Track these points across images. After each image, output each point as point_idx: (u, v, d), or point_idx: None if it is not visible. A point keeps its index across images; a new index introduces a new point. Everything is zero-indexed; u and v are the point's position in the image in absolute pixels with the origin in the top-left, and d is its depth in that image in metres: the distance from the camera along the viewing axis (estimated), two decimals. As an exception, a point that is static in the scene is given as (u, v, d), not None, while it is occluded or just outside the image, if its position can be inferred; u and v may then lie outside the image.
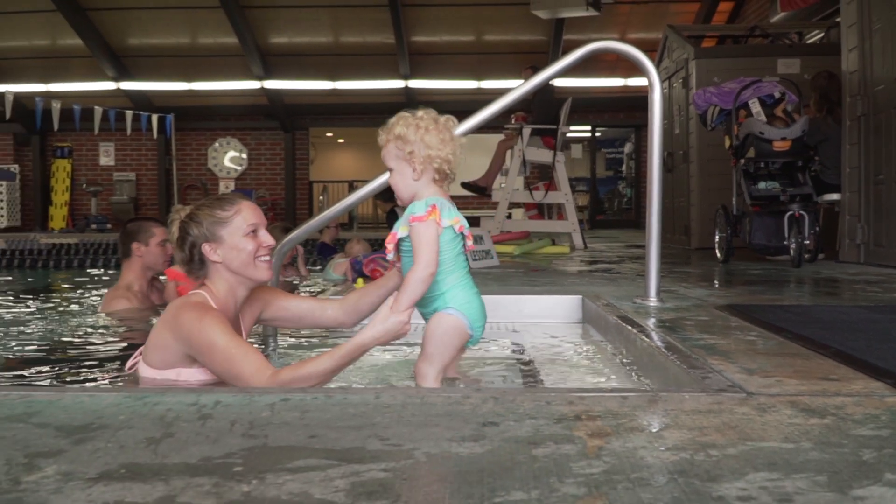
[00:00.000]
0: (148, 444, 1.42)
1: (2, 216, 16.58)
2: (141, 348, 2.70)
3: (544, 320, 3.95)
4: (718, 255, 6.59)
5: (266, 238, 2.67)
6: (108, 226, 16.70)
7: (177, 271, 4.67)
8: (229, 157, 17.88)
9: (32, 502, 1.15)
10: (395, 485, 1.23)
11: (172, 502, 1.15)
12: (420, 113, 2.43)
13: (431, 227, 2.33)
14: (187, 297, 2.65)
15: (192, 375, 2.55)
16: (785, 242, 5.84)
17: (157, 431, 1.50)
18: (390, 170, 2.45)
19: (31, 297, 6.95)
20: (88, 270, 9.61)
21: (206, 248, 2.62)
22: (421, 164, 2.38)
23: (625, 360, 2.87)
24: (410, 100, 16.53)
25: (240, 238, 2.62)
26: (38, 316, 5.28)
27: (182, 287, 4.59)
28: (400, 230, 2.43)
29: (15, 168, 17.35)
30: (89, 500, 1.16)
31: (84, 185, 17.55)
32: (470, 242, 2.44)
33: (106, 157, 17.96)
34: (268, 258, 2.69)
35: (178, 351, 2.54)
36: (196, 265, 2.67)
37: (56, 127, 13.96)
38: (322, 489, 1.20)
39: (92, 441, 1.44)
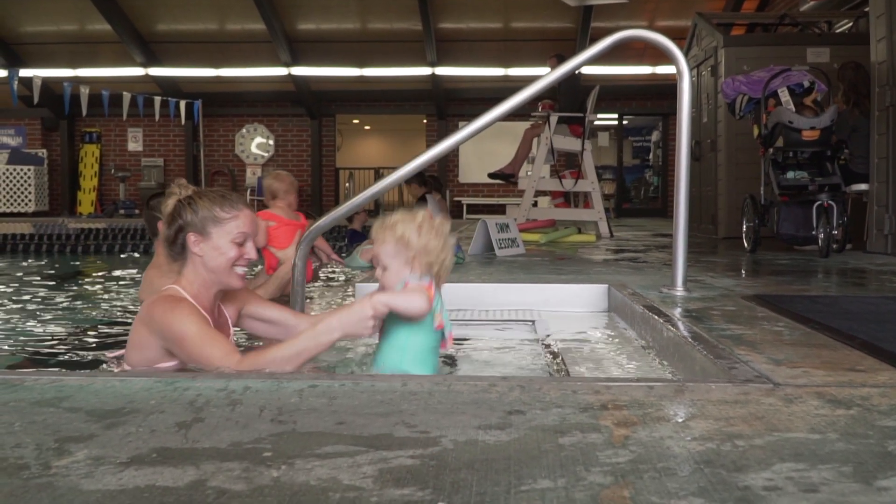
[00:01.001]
0: (179, 429, 1.44)
1: (30, 201, 16.76)
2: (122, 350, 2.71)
3: (570, 309, 3.95)
4: (746, 244, 6.55)
5: (250, 251, 2.68)
6: (136, 211, 16.84)
7: (270, 212, 4.64)
8: (256, 144, 17.95)
9: (63, 487, 1.17)
10: (423, 472, 1.24)
11: (203, 486, 1.17)
12: (420, 217, 2.45)
13: (425, 295, 2.35)
14: (159, 294, 2.66)
15: None
16: (813, 232, 5.79)
17: (187, 416, 1.52)
18: (384, 268, 2.45)
19: (61, 281, 7.03)
20: (120, 256, 9.71)
21: (191, 237, 2.63)
22: (419, 270, 2.40)
23: (651, 350, 2.87)
24: (437, 87, 16.51)
25: (226, 242, 2.63)
26: (70, 300, 5.35)
27: (273, 228, 4.60)
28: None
29: (43, 153, 17.52)
30: (120, 484, 1.18)
31: (112, 171, 17.69)
32: (450, 343, 2.46)
33: (134, 143, 18.09)
34: (245, 268, 2.71)
35: (155, 346, 2.56)
36: (177, 248, 2.67)
37: (84, 112, 14.08)
38: (350, 475, 1.22)
39: (123, 426, 1.47)
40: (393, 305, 2.32)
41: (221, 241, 2.62)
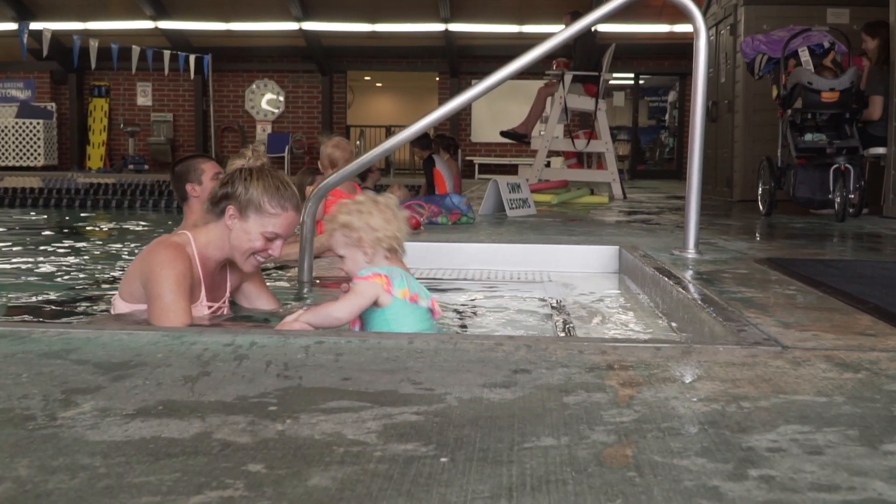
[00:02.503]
0: (185, 383, 1.46)
1: (39, 155, 16.79)
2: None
3: (580, 270, 3.96)
4: (761, 207, 6.52)
5: (274, 250, 2.71)
6: (146, 166, 16.86)
7: None
8: (266, 100, 17.90)
9: (69, 437, 1.19)
10: (427, 428, 1.25)
11: (209, 439, 1.19)
12: (360, 198, 2.49)
13: (368, 288, 2.35)
14: (170, 236, 2.70)
15: None
16: (829, 196, 5.76)
17: (193, 370, 1.54)
18: (341, 257, 2.48)
19: (74, 235, 7.08)
20: (129, 210, 9.74)
21: (230, 209, 2.66)
22: (371, 248, 2.42)
23: (660, 312, 2.88)
24: (450, 43, 16.38)
25: (257, 232, 2.65)
26: (82, 255, 5.38)
27: (329, 201, 4.57)
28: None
29: (52, 106, 17.51)
30: (126, 435, 1.20)
31: (122, 125, 17.69)
32: (437, 308, 2.46)
33: (143, 97, 18.06)
34: (262, 260, 2.75)
35: (138, 283, 2.61)
36: (216, 210, 2.70)
37: (93, 66, 14.03)
38: (355, 430, 1.23)
39: (130, 378, 1.49)
40: (317, 324, 2.32)
41: (254, 227, 2.65)
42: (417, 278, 2.50)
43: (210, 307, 2.74)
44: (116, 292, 2.74)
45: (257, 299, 2.98)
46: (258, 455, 1.13)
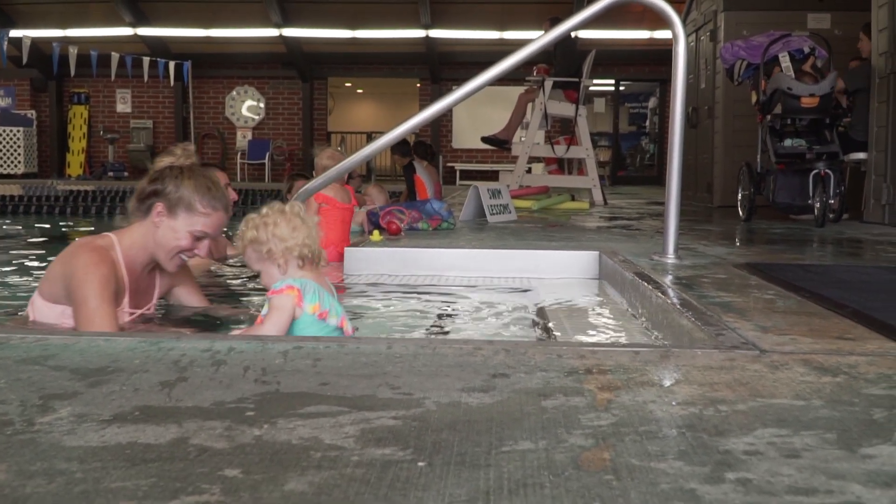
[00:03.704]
0: (162, 388, 1.46)
1: (19, 162, 16.66)
2: None
3: (560, 275, 3.97)
4: (741, 213, 6.56)
5: (201, 249, 2.70)
6: (125, 173, 16.76)
7: (324, 194, 4.54)
8: (247, 106, 17.85)
9: (46, 443, 1.18)
10: (405, 432, 1.25)
11: (185, 444, 1.18)
12: (265, 210, 2.47)
13: (285, 300, 2.35)
14: (93, 238, 2.67)
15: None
16: (809, 201, 5.80)
17: (171, 376, 1.54)
18: (257, 272, 2.49)
19: (55, 242, 7.03)
20: (109, 218, 9.69)
21: (158, 206, 2.64)
22: (282, 258, 2.41)
23: (639, 317, 2.89)
24: (431, 50, 16.40)
25: (185, 230, 2.64)
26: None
27: (325, 210, 4.55)
28: (263, 310, 2.45)
29: (32, 114, 17.40)
30: (102, 440, 1.19)
31: (101, 132, 17.59)
32: (347, 327, 2.45)
33: (123, 104, 17.97)
34: (187, 259, 2.73)
35: (60, 286, 2.58)
36: (143, 206, 2.68)
37: (73, 73, 13.96)
38: (332, 435, 1.23)
39: (107, 384, 1.48)
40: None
41: (181, 225, 2.63)
42: (411, 284, 2.50)
43: (131, 313, 2.70)
44: (36, 292, 2.70)
45: (189, 302, 2.97)
46: (235, 460, 1.12)
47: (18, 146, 16.67)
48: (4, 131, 16.62)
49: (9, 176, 16.28)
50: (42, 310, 2.63)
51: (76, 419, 1.29)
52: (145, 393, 1.43)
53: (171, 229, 2.63)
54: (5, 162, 16.62)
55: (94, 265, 2.52)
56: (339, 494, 1.02)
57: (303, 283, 2.36)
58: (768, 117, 6.12)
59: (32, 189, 12.31)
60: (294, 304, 2.33)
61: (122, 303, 2.65)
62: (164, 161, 2.73)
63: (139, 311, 2.74)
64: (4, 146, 16.62)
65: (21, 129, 16.74)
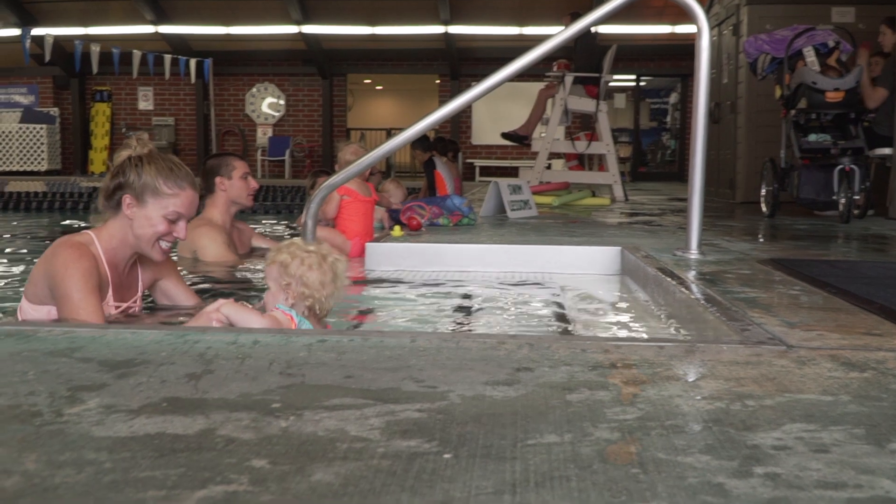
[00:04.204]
0: (189, 380, 1.47)
1: (43, 159, 16.80)
2: None
3: (582, 271, 3.96)
4: (764, 209, 6.52)
5: (179, 231, 2.70)
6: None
7: (347, 186, 4.55)
8: (267, 103, 17.92)
9: (75, 433, 1.19)
10: (430, 425, 1.25)
11: (213, 435, 1.19)
12: (312, 247, 2.44)
13: (286, 323, 2.35)
14: (72, 236, 2.68)
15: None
16: (834, 197, 5.76)
17: (197, 368, 1.55)
18: (267, 286, 2.48)
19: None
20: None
21: (127, 199, 2.64)
22: (293, 299, 2.40)
23: (663, 313, 2.88)
24: (450, 46, 16.39)
25: (158, 216, 2.64)
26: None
27: (347, 202, 4.57)
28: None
29: (55, 111, 17.54)
30: (131, 431, 1.20)
31: (123, 130, 17.68)
32: None
33: (145, 102, 18.09)
34: (169, 245, 2.73)
35: (43, 285, 2.59)
36: (112, 203, 2.68)
37: (95, 70, 14.06)
38: (358, 427, 1.24)
39: (134, 376, 1.49)
40: (234, 321, 2.32)
41: (153, 212, 2.63)
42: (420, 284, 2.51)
43: (118, 307, 2.71)
44: (23, 296, 2.71)
45: (176, 296, 2.98)
46: (262, 451, 1.13)
47: (42, 143, 16.81)
48: (28, 129, 16.76)
49: (32, 173, 16.41)
50: (29, 312, 2.65)
51: (105, 410, 1.30)
52: (172, 385, 1.44)
53: (145, 218, 2.64)
54: (29, 159, 16.76)
55: (75, 260, 2.54)
56: (365, 485, 1.02)
57: (300, 321, 2.37)
58: (792, 112, 6.08)
59: (56, 186, 12.41)
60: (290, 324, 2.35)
61: (107, 297, 2.67)
62: (122, 154, 2.73)
63: (125, 305, 2.75)
64: (28, 143, 16.76)
65: (44, 126, 16.87)
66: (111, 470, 1.05)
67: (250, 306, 2.44)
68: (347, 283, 2.50)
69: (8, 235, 7.48)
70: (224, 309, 2.30)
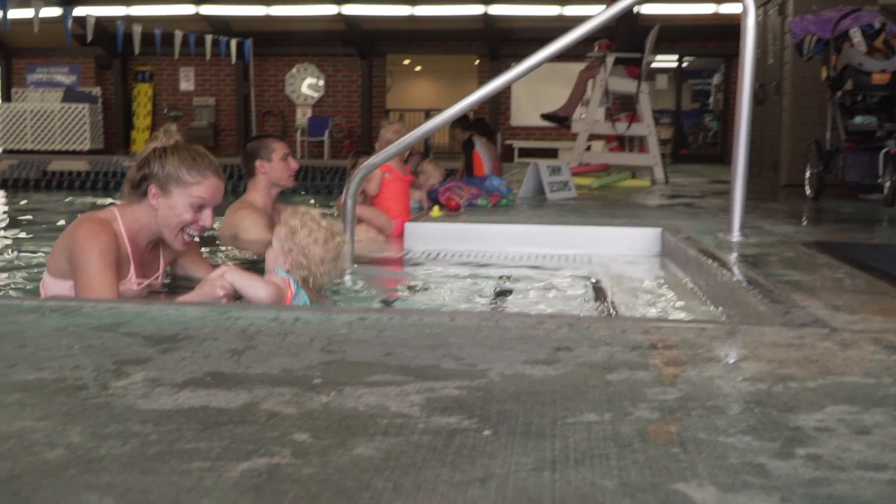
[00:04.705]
0: (231, 355, 1.49)
1: (85, 139, 17.03)
2: None
3: (621, 252, 3.94)
4: (808, 191, 6.43)
5: (205, 219, 2.73)
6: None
7: (388, 165, 4.58)
8: (307, 84, 17.98)
9: (120, 406, 1.22)
10: (470, 402, 1.26)
11: (256, 409, 1.21)
12: (324, 222, 2.50)
13: (282, 287, 2.41)
14: (95, 212, 2.73)
15: None
16: (879, 180, 5.66)
17: (239, 344, 1.57)
18: (271, 244, 2.55)
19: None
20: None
21: (152, 189, 2.68)
22: (291, 266, 2.47)
23: (704, 295, 2.86)
24: (490, 26, 16.31)
25: (183, 204, 2.67)
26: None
27: (388, 180, 4.60)
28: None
29: (97, 91, 17.76)
30: (176, 404, 1.22)
31: (165, 110, 17.89)
32: None
33: (186, 82, 18.24)
34: (193, 236, 2.76)
35: (64, 259, 2.63)
36: (139, 192, 2.72)
37: (137, 51, 14.19)
38: (398, 403, 1.25)
39: (178, 350, 1.52)
40: (238, 287, 2.37)
41: (179, 201, 2.67)
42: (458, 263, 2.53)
43: (140, 283, 2.75)
44: (45, 270, 2.76)
45: (196, 273, 3.01)
46: (304, 425, 1.15)
47: (84, 123, 17.03)
48: (70, 108, 16.99)
49: (76, 152, 16.65)
50: (51, 287, 2.70)
51: (150, 383, 1.32)
52: (215, 359, 1.46)
53: (170, 207, 2.68)
54: (72, 138, 17.00)
55: (95, 235, 2.58)
56: (406, 460, 1.03)
57: (296, 290, 2.41)
58: (838, 94, 5.97)
59: (99, 165, 12.59)
60: (284, 296, 2.39)
61: (129, 274, 2.71)
62: (149, 146, 2.78)
63: (147, 281, 2.80)
64: (70, 123, 16.99)
65: (86, 105, 17.09)
66: (157, 442, 1.08)
67: (252, 273, 2.49)
68: (347, 267, 2.56)
69: (50, 214, 7.61)
70: (228, 275, 2.37)
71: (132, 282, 2.72)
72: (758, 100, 9.23)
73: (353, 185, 3.53)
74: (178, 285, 2.96)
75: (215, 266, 3.16)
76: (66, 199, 9.46)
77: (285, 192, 4.63)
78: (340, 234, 2.52)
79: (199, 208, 2.70)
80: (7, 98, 17.84)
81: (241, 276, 2.38)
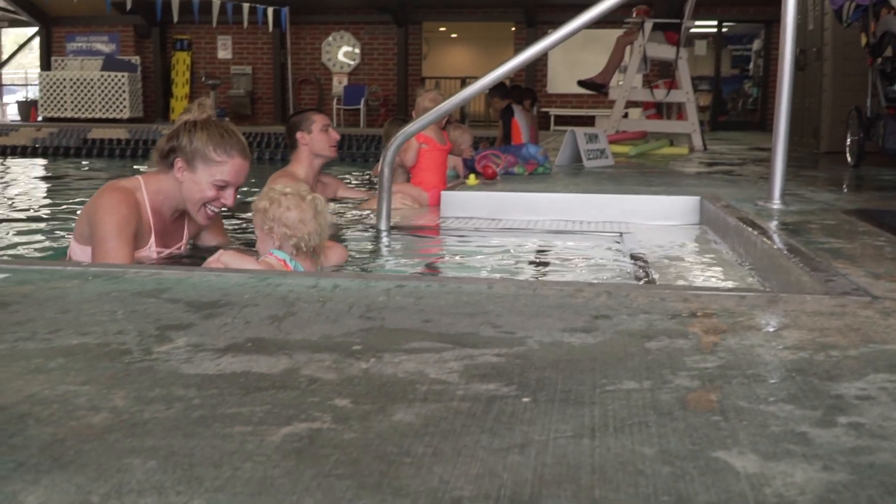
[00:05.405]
0: (272, 322, 1.50)
1: (125, 107, 17.17)
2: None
3: (659, 221, 3.90)
4: (849, 159, 6.32)
5: (226, 198, 2.75)
6: (227, 118, 17.11)
7: (425, 134, 4.60)
8: (343, 52, 17.94)
9: (164, 370, 1.23)
10: (509, 369, 1.26)
11: (296, 374, 1.22)
12: (288, 189, 2.54)
13: (277, 266, 2.45)
14: (120, 181, 2.76)
15: None
16: (922, 148, 5.55)
17: (279, 310, 1.58)
18: (257, 236, 2.60)
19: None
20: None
21: (178, 162, 2.70)
22: (279, 240, 2.50)
23: (744, 263, 2.83)
24: (527, -7, 16.13)
25: (207, 181, 2.68)
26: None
27: (426, 150, 4.61)
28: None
29: (136, 60, 17.87)
30: (218, 369, 1.24)
31: (203, 79, 17.96)
32: None
33: (224, 51, 18.29)
34: (215, 211, 2.79)
35: (88, 227, 2.66)
36: (166, 162, 2.74)
37: (175, 19, 14.25)
38: (437, 370, 1.25)
39: (219, 316, 1.53)
40: (229, 267, 2.40)
41: (202, 178, 2.69)
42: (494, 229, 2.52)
43: (160, 252, 2.78)
44: (73, 236, 2.81)
45: (213, 242, 3.04)
46: (344, 391, 1.15)
47: (123, 91, 17.15)
48: (109, 76, 17.11)
49: (115, 120, 16.81)
50: (77, 252, 2.74)
51: (192, 349, 1.34)
52: (256, 325, 1.47)
53: (194, 182, 2.70)
54: (111, 106, 17.15)
55: (116, 206, 2.62)
56: (445, 426, 1.03)
57: (294, 265, 2.45)
58: (878, 60, 5.84)
59: (138, 133, 12.69)
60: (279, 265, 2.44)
61: (149, 242, 2.74)
62: (182, 118, 2.79)
63: (167, 251, 2.82)
64: (109, 91, 17.13)
65: (125, 74, 17.20)
66: (200, 406, 1.09)
67: (248, 255, 2.54)
68: (331, 219, 2.60)
69: (92, 182, 7.69)
70: (223, 257, 2.43)
71: (151, 250, 2.75)
72: (798, 66, 9.05)
73: (389, 152, 3.53)
74: (198, 256, 2.99)
75: (358, 245, 3.23)
76: (106, 167, 9.56)
77: (331, 164, 4.66)
78: (309, 193, 2.58)
79: (221, 187, 2.72)
80: (47, 66, 18.02)
81: (234, 257, 2.46)
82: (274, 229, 2.49)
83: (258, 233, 2.57)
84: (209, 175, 2.69)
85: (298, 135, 4.42)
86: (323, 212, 2.52)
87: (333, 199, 4.76)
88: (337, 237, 3.68)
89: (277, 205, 2.50)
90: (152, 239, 2.75)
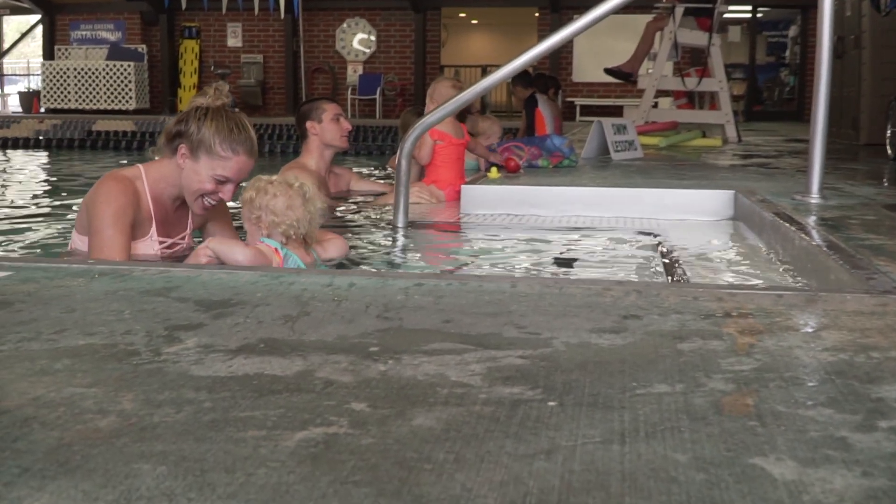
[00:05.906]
0: (285, 322, 1.51)
1: (131, 98, 17.20)
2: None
3: (691, 216, 3.89)
4: (889, 151, 6.27)
5: (226, 193, 2.76)
6: (236, 109, 17.10)
7: (439, 130, 4.63)
8: (358, 39, 17.96)
9: (173, 372, 1.24)
10: (533, 371, 1.26)
11: (311, 377, 1.22)
12: (274, 178, 2.62)
13: (269, 253, 2.51)
14: (120, 170, 2.79)
15: None
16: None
17: (293, 310, 1.59)
18: (247, 228, 2.67)
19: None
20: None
21: (182, 148, 2.71)
22: (267, 229, 2.57)
23: (780, 260, 2.81)
24: (551, -24, 16.08)
25: (207, 174, 2.70)
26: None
27: (441, 147, 4.63)
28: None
29: (143, 48, 17.92)
30: (230, 371, 1.24)
31: (212, 68, 18.00)
32: None
33: (233, 39, 18.33)
34: (212, 203, 2.79)
35: (86, 213, 2.71)
36: (170, 146, 2.76)
37: (184, 6, 14.31)
38: (458, 372, 1.25)
39: (231, 316, 1.54)
40: (218, 252, 2.49)
41: (203, 169, 2.71)
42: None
43: (162, 242, 2.80)
44: (74, 227, 2.88)
45: (223, 234, 3.05)
46: (361, 394, 1.15)
47: (129, 81, 17.19)
48: (115, 66, 17.14)
49: (121, 112, 16.87)
50: (77, 243, 2.80)
51: (203, 350, 1.34)
52: (269, 326, 1.48)
53: (195, 172, 2.71)
54: (117, 97, 17.18)
55: (113, 195, 2.66)
56: (468, 431, 1.03)
57: (286, 254, 2.48)
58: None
59: (145, 125, 12.74)
60: (268, 259, 2.48)
61: (150, 232, 2.77)
62: (196, 101, 2.80)
63: (170, 241, 2.84)
64: (115, 81, 17.15)
65: (131, 63, 17.20)
66: (211, 409, 1.09)
67: (237, 242, 2.58)
68: (321, 205, 2.67)
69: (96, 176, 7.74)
70: (211, 245, 2.50)
71: (153, 240, 2.78)
72: (837, 53, 8.98)
73: (407, 144, 3.53)
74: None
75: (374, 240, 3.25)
76: (111, 161, 9.62)
77: (346, 157, 4.67)
78: (296, 180, 2.63)
79: (221, 181, 2.73)
80: (50, 56, 18.10)
81: (220, 243, 2.52)
82: (262, 218, 2.56)
83: (246, 225, 2.65)
84: (210, 168, 2.70)
85: (308, 124, 4.42)
86: (312, 199, 2.58)
87: (347, 191, 4.78)
88: (351, 233, 3.69)
89: (264, 193, 2.57)
90: (153, 228, 2.77)
